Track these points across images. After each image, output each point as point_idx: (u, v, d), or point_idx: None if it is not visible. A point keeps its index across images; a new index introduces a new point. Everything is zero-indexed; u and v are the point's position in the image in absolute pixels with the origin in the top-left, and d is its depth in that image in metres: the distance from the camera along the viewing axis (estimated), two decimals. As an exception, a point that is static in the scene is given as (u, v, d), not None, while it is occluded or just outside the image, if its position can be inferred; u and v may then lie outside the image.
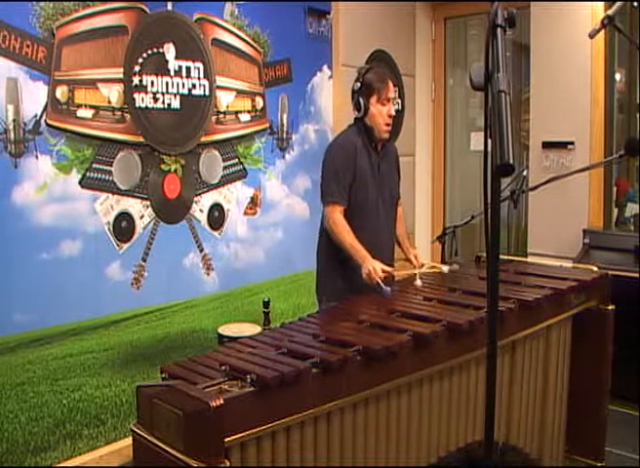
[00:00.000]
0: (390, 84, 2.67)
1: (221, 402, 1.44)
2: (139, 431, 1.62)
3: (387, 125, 2.67)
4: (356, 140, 2.65)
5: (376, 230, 2.66)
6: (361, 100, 2.64)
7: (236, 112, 3.45)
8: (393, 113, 2.68)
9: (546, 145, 4.15)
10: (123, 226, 2.94)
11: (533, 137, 4.25)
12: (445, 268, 2.65)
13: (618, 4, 2.45)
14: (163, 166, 3.09)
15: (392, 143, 2.95)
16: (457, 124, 5.11)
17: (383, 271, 2.40)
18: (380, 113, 2.64)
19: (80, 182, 2.78)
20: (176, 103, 3.11)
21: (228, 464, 1.45)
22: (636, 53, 3.81)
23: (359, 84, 2.64)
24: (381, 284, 2.36)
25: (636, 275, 3.32)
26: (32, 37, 2.57)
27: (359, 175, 2.61)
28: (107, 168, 2.86)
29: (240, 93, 3.46)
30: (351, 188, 2.60)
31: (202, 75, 3.23)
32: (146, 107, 2.98)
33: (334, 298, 2.51)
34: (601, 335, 2.67)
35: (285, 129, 3.76)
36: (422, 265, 2.68)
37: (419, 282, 2.46)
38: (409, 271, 2.69)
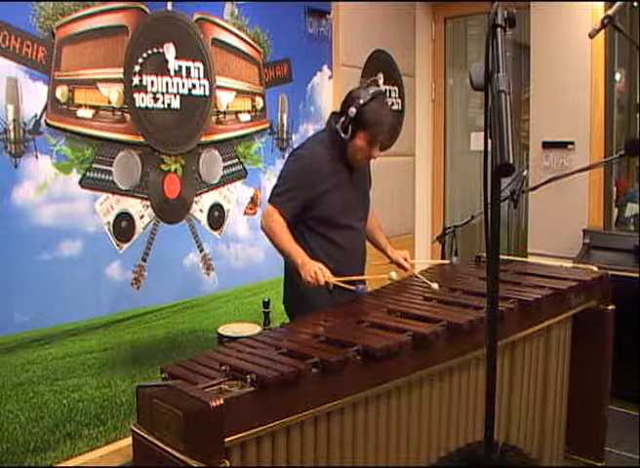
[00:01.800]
0: (388, 135, 2.50)
1: (221, 402, 1.44)
2: (139, 431, 1.62)
3: (364, 162, 2.49)
4: (325, 153, 2.43)
5: (349, 242, 2.49)
6: (350, 127, 2.37)
7: (236, 112, 3.45)
8: (377, 157, 2.46)
9: (546, 145, 4.15)
10: (123, 226, 2.94)
11: (533, 137, 4.24)
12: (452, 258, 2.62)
13: (618, 4, 2.46)
14: (163, 166, 3.09)
15: None
16: (457, 124, 5.10)
17: (325, 276, 2.21)
18: (363, 151, 2.41)
19: (80, 182, 2.77)
20: (176, 103, 3.11)
21: (228, 464, 1.45)
22: (636, 53, 3.81)
23: (355, 111, 2.34)
24: (330, 285, 2.21)
25: (636, 275, 3.32)
26: (32, 37, 2.57)
27: (325, 190, 2.41)
28: (107, 168, 2.86)
29: (240, 93, 3.46)
30: (316, 204, 2.41)
31: (202, 75, 3.23)
32: (146, 107, 2.98)
33: (308, 311, 2.28)
34: (601, 335, 2.67)
35: (285, 129, 3.76)
36: (412, 266, 2.57)
37: (435, 285, 2.37)
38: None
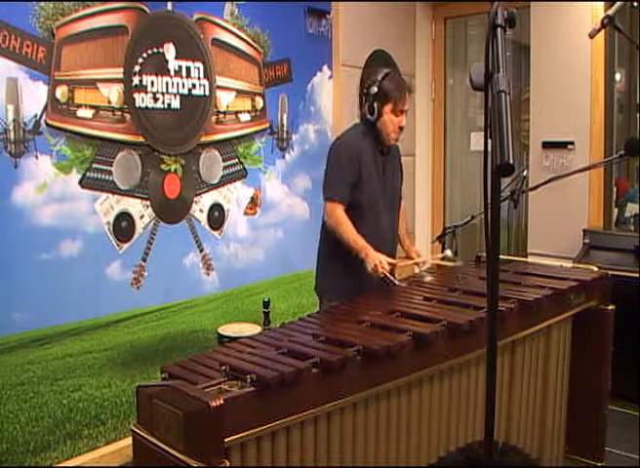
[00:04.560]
0: (407, 95, 2.64)
1: (221, 402, 1.44)
2: (139, 431, 1.62)
3: (396, 133, 2.66)
4: (362, 141, 2.64)
5: (378, 231, 2.64)
6: (375, 105, 2.60)
7: (236, 112, 3.45)
8: (404, 124, 2.66)
9: (546, 145, 4.15)
10: (123, 226, 2.94)
11: (533, 137, 4.25)
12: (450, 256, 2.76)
13: (618, 4, 2.46)
14: (163, 166, 3.09)
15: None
16: (457, 124, 5.10)
17: (389, 264, 2.46)
18: (392, 122, 2.62)
19: (80, 182, 2.78)
20: (176, 103, 3.11)
21: (228, 464, 1.45)
22: (636, 53, 3.81)
23: (376, 89, 2.60)
24: (389, 277, 2.44)
25: (636, 275, 3.32)
26: (32, 37, 2.57)
27: (364, 176, 2.60)
28: (107, 168, 2.86)
29: (240, 93, 3.46)
30: (355, 189, 2.59)
31: (202, 75, 3.23)
32: (146, 107, 2.98)
33: (335, 297, 2.51)
34: (601, 335, 2.67)
35: (285, 129, 3.76)
36: (424, 262, 2.75)
37: (428, 277, 2.55)
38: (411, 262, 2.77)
